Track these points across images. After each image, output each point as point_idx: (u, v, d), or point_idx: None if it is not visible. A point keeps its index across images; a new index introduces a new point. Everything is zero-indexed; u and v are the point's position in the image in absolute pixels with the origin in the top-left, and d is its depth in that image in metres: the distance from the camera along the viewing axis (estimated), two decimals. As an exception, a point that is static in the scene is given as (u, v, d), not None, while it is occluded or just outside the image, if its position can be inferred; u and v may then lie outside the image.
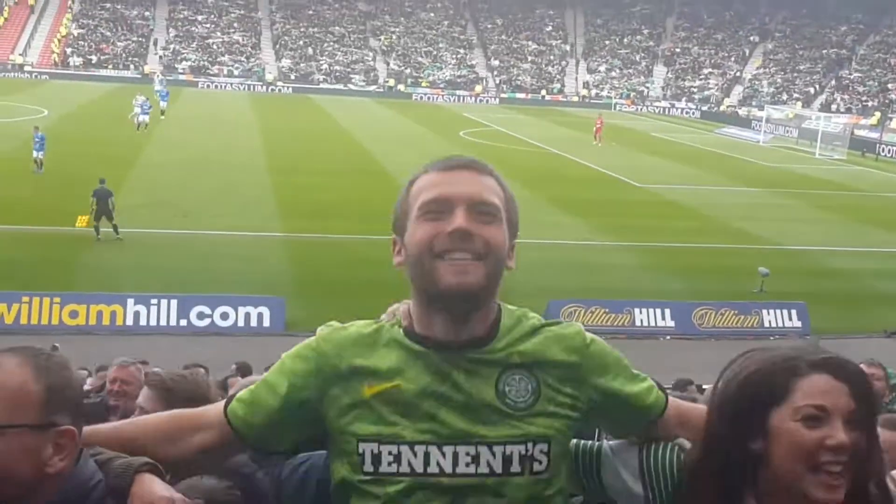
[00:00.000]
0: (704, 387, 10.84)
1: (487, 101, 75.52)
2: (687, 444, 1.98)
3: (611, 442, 2.09)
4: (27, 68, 71.06)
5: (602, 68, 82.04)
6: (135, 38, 77.26)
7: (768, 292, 21.17)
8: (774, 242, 27.25)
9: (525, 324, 1.92)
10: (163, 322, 17.57)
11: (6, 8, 77.56)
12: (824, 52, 77.32)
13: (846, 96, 70.64)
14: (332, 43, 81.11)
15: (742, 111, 69.76)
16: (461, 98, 75.10)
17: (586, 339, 1.95)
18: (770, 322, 19.62)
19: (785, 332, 19.48)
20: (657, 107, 75.53)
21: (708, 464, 1.79)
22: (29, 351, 1.69)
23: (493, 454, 1.82)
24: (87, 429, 1.83)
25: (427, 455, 1.81)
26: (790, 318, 19.72)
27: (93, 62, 73.18)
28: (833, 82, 73.57)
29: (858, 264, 25.38)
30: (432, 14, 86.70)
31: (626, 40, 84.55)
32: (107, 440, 1.89)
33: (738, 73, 78.76)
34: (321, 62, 78.30)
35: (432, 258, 1.79)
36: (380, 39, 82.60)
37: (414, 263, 1.83)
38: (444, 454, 1.81)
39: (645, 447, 2.02)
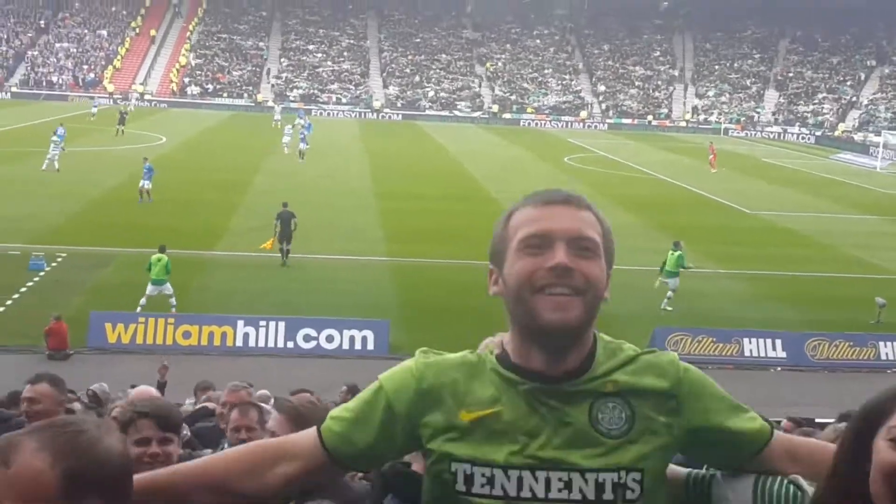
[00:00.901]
0: (824, 421, 10.52)
1: (594, 126, 75.12)
2: (802, 482, 1.92)
3: (723, 473, 2.04)
4: (147, 97, 74.24)
5: (711, 93, 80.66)
6: (249, 68, 79.84)
7: (886, 324, 20.36)
8: (892, 272, 26.22)
9: (620, 355, 1.91)
10: (270, 344, 18.01)
11: (128, 39, 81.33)
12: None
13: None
14: (438, 70, 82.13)
15: (858, 136, 67.51)
16: (567, 124, 74.90)
17: (680, 368, 1.93)
18: (887, 355, 18.86)
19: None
20: (769, 132, 73.78)
21: (831, 499, 1.71)
22: (52, 432, 1.62)
23: (586, 481, 1.82)
24: (169, 470, 1.87)
25: (520, 479, 1.82)
26: (903, 350, 18.94)
27: (209, 91, 75.89)
28: (956, 106, 70.73)
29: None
30: (538, 41, 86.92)
31: (736, 64, 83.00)
32: (185, 478, 1.93)
33: (853, 98, 76.30)
34: (427, 89, 79.32)
35: (532, 293, 1.80)
36: (486, 66, 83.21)
37: (514, 297, 1.85)
38: (536, 479, 1.82)
39: (760, 480, 1.96)
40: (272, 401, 8.85)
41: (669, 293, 21.70)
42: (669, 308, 21.63)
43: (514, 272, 1.84)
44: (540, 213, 1.88)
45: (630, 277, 24.19)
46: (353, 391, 11.22)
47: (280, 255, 23.40)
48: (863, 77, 78.07)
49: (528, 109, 77.32)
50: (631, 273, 24.66)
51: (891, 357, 18.89)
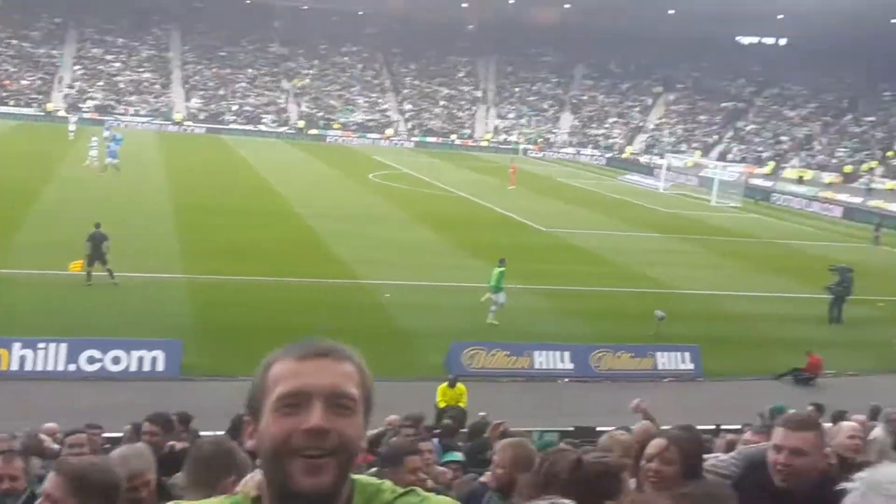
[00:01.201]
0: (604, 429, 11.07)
1: (400, 144, 76.07)
2: None
3: None
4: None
5: (511, 114, 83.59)
6: (40, 75, 75.55)
7: (664, 335, 21.75)
8: (672, 286, 28.04)
9: (376, 501, 1.86)
10: (50, 367, 17.01)
11: None
12: (723, 104, 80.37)
13: (742, 146, 73.44)
14: (244, 84, 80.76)
15: (644, 159, 71.81)
16: (373, 141, 75.48)
17: None
18: (664, 364, 20.14)
19: (678, 374, 20.05)
20: (564, 153, 77.19)
21: None
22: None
23: None
24: None
25: None
26: (683, 361, 20.29)
27: (-6, 98, 71.25)
28: (730, 133, 76.44)
29: (750, 309, 26.30)
30: (347, 58, 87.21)
31: (535, 87, 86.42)
32: None
33: (641, 123, 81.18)
34: (232, 103, 77.82)
35: (286, 455, 1.75)
36: (293, 82, 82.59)
37: (267, 458, 1.79)
38: None
39: None
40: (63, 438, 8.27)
41: (493, 307, 22.33)
42: (496, 322, 22.24)
43: (270, 435, 1.78)
44: (298, 367, 1.80)
45: (429, 294, 24.77)
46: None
47: (86, 275, 22.20)
48: (650, 103, 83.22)
49: (335, 126, 77.35)
50: (430, 290, 25.25)
51: (667, 366, 20.19)
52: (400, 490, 1.89)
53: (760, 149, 71.97)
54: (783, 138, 72.76)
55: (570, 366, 19.94)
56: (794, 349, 21.26)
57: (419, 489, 1.91)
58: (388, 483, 1.90)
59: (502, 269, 22.58)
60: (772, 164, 67.41)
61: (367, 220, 35.30)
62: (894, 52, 71.65)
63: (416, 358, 19.36)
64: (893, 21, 68.98)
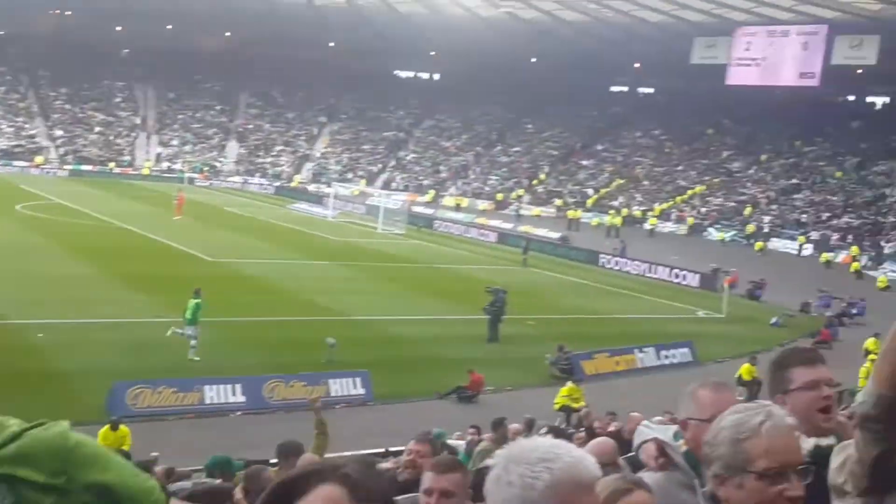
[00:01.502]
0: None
1: (52, 172, 70.75)
2: None
3: None
4: None
5: (175, 142, 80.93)
6: None
7: (335, 362, 21.99)
8: (343, 313, 28.46)
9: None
10: None
11: None
12: (385, 133, 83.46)
13: (405, 175, 76.71)
14: None
15: (312, 187, 72.62)
16: (21, 169, 69.56)
17: (70, 440, 1.76)
18: (336, 391, 20.33)
19: (350, 399, 20.34)
20: (232, 182, 76.00)
21: None
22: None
23: None
24: None
25: None
26: (355, 386, 20.62)
27: None
28: (393, 162, 79.56)
29: (416, 331, 27.37)
30: (-15, 79, 79.83)
31: (199, 115, 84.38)
32: None
33: (307, 151, 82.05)
34: None
35: None
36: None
37: None
38: None
39: None
40: None
41: (193, 342, 21.63)
42: (197, 358, 21.50)
43: None
44: None
45: (88, 332, 23.17)
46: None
47: None
48: (315, 132, 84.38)
49: (-26, 153, 70.38)
50: (89, 327, 23.64)
51: (340, 393, 20.36)
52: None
53: (421, 177, 75.54)
54: (441, 167, 76.93)
55: (243, 398, 19.53)
56: (457, 368, 22.36)
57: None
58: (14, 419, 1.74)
59: (198, 300, 22.02)
60: (432, 192, 71.00)
61: (15, 254, 32.46)
62: (535, 88, 78.65)
63: (74, 401, 17.97)
64: (533, 60, 75.78)
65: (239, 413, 19.22)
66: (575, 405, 20.30)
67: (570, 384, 21.16)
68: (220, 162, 79.40)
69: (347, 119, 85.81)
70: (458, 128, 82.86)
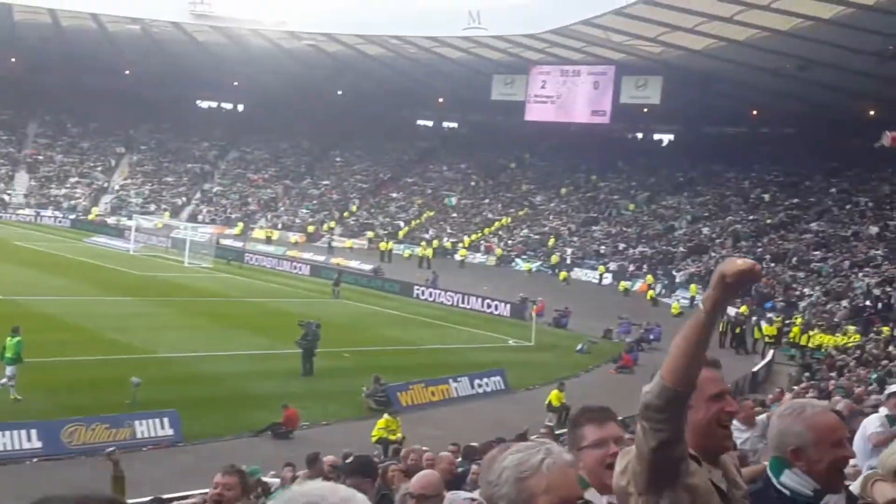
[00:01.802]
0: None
1: None
2: None
3: None
4: None
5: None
6: None
7: (141, 402, 20.88)
8: (148, 351, 27.18)
9: None
10: None
11: None
12: (189, 165, 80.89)
13: (211, 208, 74.60)
14: None
15: (112, 220, 69.35)
16: None
17: None
18: (143, 433, 19.28)
19: (158, 441, 19.33)
20: (23, 215, 71.34)
21: None
22: None
23: None
24: None
25: None
26: (163, 427, 19.61)
27: None
28: (199, 194, 77.21)
29: (227, 368, 26.48)
30: None
31: (-22, 145, 78.86)
32: None
33: (105, 183, 78.26)
34: None
35: None
36: None
37: None
38: None
39: None
40: None
41: (11, 382, 20.86)
42: (19, 397, 20.42)
43: None
44: None
45: None
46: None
47: None
48: (113, 163, 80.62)
49: None
50: None
51: (146, 434, 19.36)
52: None
53: (229, 210, 73.73)
54: (250, 200, 75.42)
55: (39, 444, 18.14)
56: (271, 404, 21.76)
57: None
58: None
59: (18, 338, 21.23)
60: (241, 224, 69.40)
61: None
62: (343, 120, 78.76)
63: None
64: (339, 93, 75.92)
65: (35, 459, 17.84)
66: (392, 437, 20.18)
67: (386, 416, 21.01)
68: (9, 195, 74.42)
69: (147, 150, 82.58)
70: (265, 160, 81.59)
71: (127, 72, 75.49)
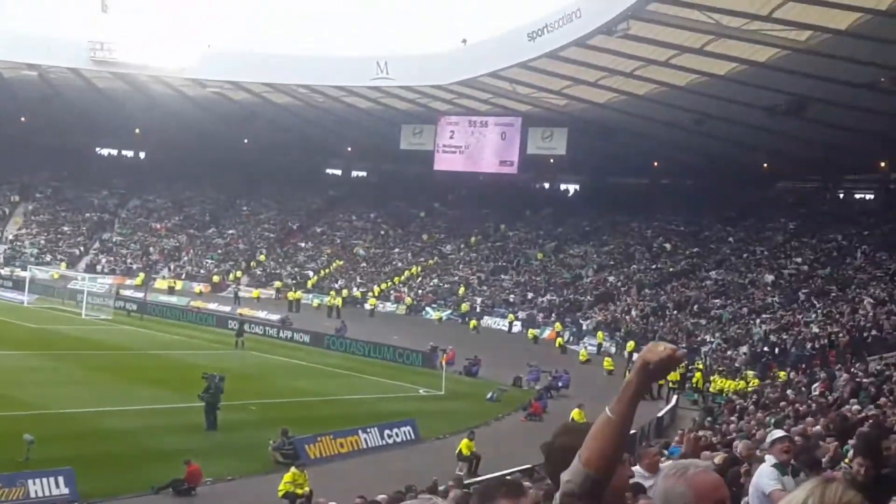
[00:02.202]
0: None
1: None
2: None
3: None
4: None
5: None
6: None
7: (35, 460, 19.95)
8: (42, 407, 26.08)
9: None
10: None
11: None
12: (88, 214, 78.65)
13: (111, 258, 72.57)
14: None
15: (6, 271, 66.79)
16: None
17: None
18: (37, 492, 18.39)
19: (52, 501, 18.47)
20: None
21: None
22: None
23: None
24: None
25: None
26: (57, 486, 18.74)
27: None
28: (97, 244, 75.07)
29: (126, 423, 25.57)
30: None
31: None
32: None
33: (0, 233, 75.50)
34: None
35: None
36: None
37: None
38: None
39: None
40: None
41: None
42: None
43: None
44: None
45: None
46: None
47: None
48: (7, 212, 77.91)
49: None
50: None
51: (40, 494, 18.47)
52: None
53: (129, 260, 71.88)
54: (152, 249, 73.72)
55: (-79, 509, 17.14)
56: (173, 460, 21.03)
57: None
58: None
59: None
60: (142, 275, 67.61)
61: None
62: (249, 169, 77.98)
63: None
64: (245, 141, 75.21)
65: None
66: (299, 491, 19.77)
67: (293, 469, 20.51)
68: None
69: (44, 198, 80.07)
70: (168, 208, 79.99)
71: (22, 118, 73.29)
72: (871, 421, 14.53)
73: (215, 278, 67.67)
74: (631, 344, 44.85)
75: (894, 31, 34.84)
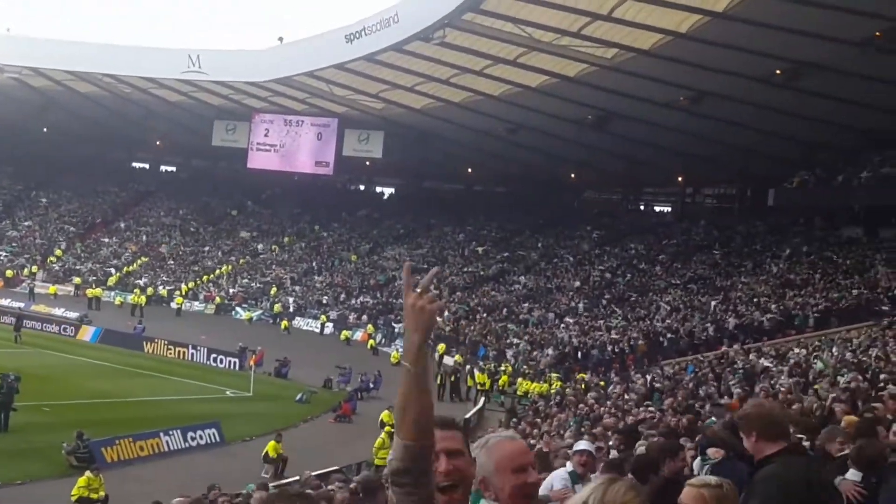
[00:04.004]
0: None
1: None
2: None
3: None
4: None
5: None
6: None
7: None
8: None
9: None
10: None
11: None
12: None
13: None
14: None
15: None
16: None
17: None
18: None
19: None
20: None
21: None
22: None
23: None
24: None
25: None
26: None
27: None
28: None
29: None
30: None
31: None
32: None
33: None
34: None
35: None
36: None
37: None
38: None
39: None
40: None
41: None
42: None
43: None
44: None
45: None
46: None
47: None
48: None
49: None
50: None
51: None
52: None
53: (-90, 252, 66.50)
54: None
55: None
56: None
57: None
58: None
59: None
60: (-76, 268, 62.62)
61: None
62: (49, 159, 73.68)
63: None
64: (45, 130, 71.08)
65: None
66: (94, 496, 19.00)
67: (88, 473, 19.64)
68: None
69: None
70: (-43, 198, 74.59)
71: None
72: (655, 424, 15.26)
73: (9, 273, 63.53)
74: (442, 346, 45.65)
75: (694, 53, 37.28)
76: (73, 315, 50.10)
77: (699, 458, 8.15)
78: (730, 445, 7.54)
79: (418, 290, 2.68)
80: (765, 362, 26.47)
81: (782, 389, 17.43)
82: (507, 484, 2.94)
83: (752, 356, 28.85)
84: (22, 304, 53.18)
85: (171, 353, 42.28)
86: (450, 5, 39.61)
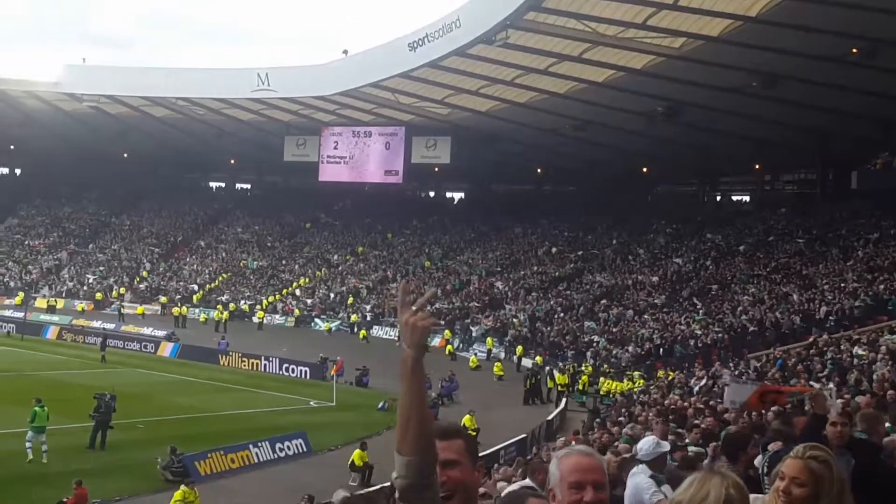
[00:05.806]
0: None
1: None
2: None
3: None
4: None
5: None
6: None
7: None
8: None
9: None
10: None
11: None
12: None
13: (-15, 278, 69.51)
14: None
15: None
16: None
17: None
18: None
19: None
20: None
21: None
22: None
23: None
24: None
25: None
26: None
27: None
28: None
29: (9, 446, 24.56)
30: None
31: None
32: None
33: None
34: None
35: None
36: None
37: None
38: None
39: None
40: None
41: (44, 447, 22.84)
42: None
43: None
44: None
45: None
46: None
47: None
48: None
49: None
50: None
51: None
52: None
53: (7, 279, 69.02)
54: (31, 267, 70.98)
55: None
56: (61, 482, 20.31)
57: None
58: None
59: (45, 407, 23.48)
60: (21, 294, 64.80)
61: None
62: (130, 183, 75.75)
63: None
64: (125, 155, 73.14)
65: None
66: (191, 509, 19.38)
67: (183, 487, 20.10)
68: None
69: None
70: (47, 225, 77.18)
71: None
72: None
73: (98, 295, 65.52)
74: (520, 349, 45.54)
75: (765, 36, 36.53)
76: (160, 333, 51.39)
77: (760, 454, 7.99)
78: (786, 436, 7.43)
79: (414, 309, 2.71)
80: (859, 350, 25.72)
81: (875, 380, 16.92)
82: (566, 499, 2.96)
83: (843, 345, 28.04)
84: (112, 325, 54.78)
85: (244, 365, 43.20)
86: (511, 6, 39.51)
